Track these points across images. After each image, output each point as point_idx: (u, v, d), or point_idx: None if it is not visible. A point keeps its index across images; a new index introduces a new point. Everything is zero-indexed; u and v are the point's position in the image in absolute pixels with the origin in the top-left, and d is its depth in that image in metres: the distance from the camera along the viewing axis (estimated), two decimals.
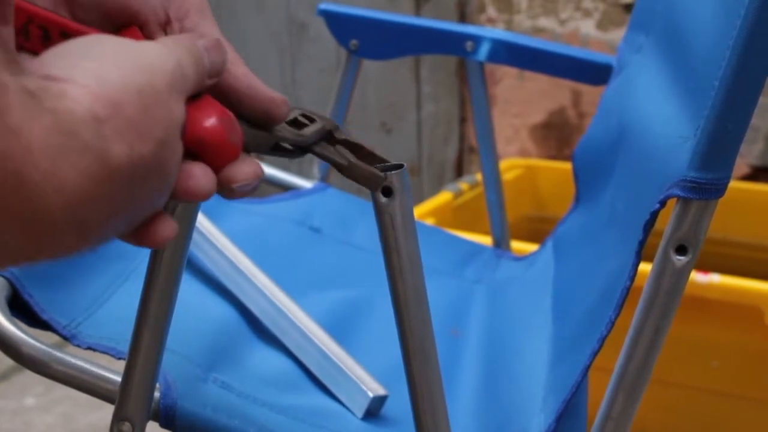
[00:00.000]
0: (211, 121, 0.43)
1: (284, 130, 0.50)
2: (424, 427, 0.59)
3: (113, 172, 0.35)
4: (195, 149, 0.43)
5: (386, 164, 0.52)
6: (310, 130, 0.51)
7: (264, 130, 0.48)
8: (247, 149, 0.47)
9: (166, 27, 0.48)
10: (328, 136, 0.52)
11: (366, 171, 0.52)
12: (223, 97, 0.47)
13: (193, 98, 0.44)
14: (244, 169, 0.44)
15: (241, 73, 0.47)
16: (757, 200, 1.76)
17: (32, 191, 0.32)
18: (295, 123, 0.51)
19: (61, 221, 0.34)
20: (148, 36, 0.47)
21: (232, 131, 0.44)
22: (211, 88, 0.46)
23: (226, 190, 0.44)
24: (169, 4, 0.48)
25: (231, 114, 0.45)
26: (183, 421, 0.67)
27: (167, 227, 0.41)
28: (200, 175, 0.42)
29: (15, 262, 0.34)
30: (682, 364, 1.39)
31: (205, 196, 0.42)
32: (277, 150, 0.50)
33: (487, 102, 1.14)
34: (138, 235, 0.41)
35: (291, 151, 0.50)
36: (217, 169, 0.44)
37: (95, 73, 0.36)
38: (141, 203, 0.39)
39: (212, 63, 0.44)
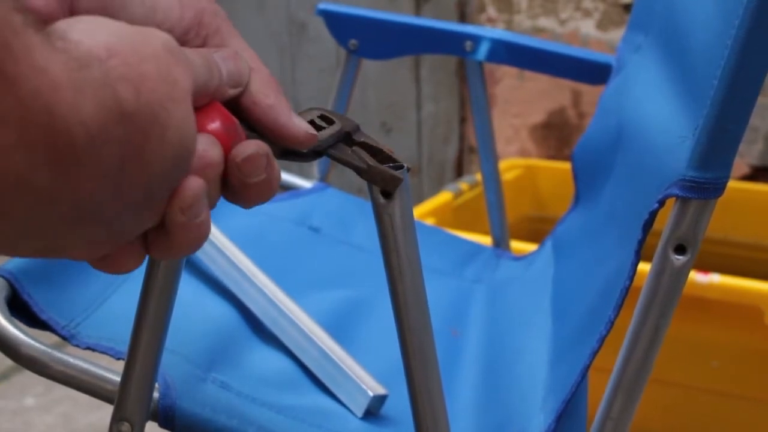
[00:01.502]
0: (213, 125, 0.43)
1: None
2: (423, 426, 0.59)
3: (125, 112, 0.36)
4: None
5: (387, 164, 0.52)
6: (326, 133, 0.50)
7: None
8: None
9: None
10: (346, 138, 0.51)
11: (386, 173, 0.51)
12: (250, 123, 0.46)
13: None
14: (245, 143, 0.44)
15: (267, 106, 0.46)
16: (757, 200, 1.76)
17: (61, 125, 0.34)
18: (312, 125, 0.50)
19: (83, 155, 0.35)
20: None
21: (234, 137, 0.44)
22: (235, 105, 0.45)
23: (236, 174, 0.44)
24: (188, 28, 0.47)
25: (235, 120, 0.44)
26: (182, 421, 0.67)
27: (194, 181, 0.41)
28: (207, 139, 0.42)
29: (42, 201, 0.35)
30: (682, 364, 1.39)
31: (214, 160, 0.42)
32: (288, 155, 0.49)
33: (487, 102, 1.14)
34: (170, 198, 0.41)
35: (304, 155, 0.49)
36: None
37: (85, 29, 0.37)
38: (157, 162, 0.39)
39: (230, 71, 0.44)
